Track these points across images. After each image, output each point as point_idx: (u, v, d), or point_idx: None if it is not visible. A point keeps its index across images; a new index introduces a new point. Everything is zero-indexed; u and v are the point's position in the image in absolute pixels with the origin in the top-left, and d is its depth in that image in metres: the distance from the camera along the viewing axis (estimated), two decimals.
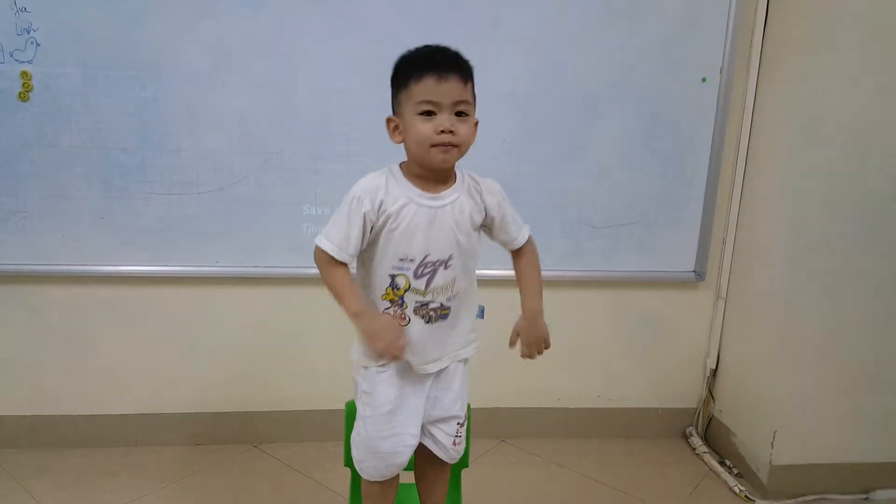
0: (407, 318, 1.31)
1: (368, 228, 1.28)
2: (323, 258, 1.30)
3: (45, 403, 2.25)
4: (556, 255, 2.28)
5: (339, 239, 1.28)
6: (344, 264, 1.30)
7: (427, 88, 1.21)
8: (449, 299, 1.33)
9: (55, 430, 2.26)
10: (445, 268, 1.30)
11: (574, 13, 2.12)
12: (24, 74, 1.96)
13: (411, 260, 1.28)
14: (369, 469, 1.41)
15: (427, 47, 1.27)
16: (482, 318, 1.45)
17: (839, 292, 2.07)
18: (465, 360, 1.45)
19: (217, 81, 2.03)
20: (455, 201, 1.31)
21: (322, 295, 2.26)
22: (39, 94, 1.98)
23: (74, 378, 2.25)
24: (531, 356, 1.37)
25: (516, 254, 1.43)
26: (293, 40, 2.04)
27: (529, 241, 1.42)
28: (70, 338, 2.22)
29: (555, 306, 2.34)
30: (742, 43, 2.22)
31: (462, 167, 1.36)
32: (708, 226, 2.34)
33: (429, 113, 1.22)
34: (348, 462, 1.59)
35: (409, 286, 1.29)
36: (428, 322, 1.32)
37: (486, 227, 1.38)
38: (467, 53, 1.32)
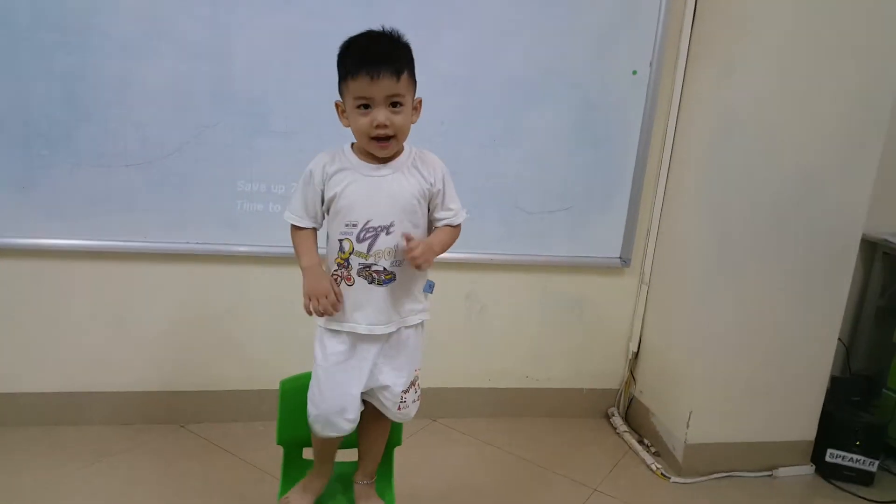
0: (352, 280, 1.40)
1: (320, 195, 1.40)
2: (292, 231, 1.44)
3: None
4: (490, 239, 2.33)
5: (296, 207, 1.42)
6: (308, 229, 1.43)
7: (361, 86, 1.30)
8: (393, 265, 1.39)
9: None
10: (387, 234, 1.38)
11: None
12: None
13: (354, 225, 1.37)
14: (317, 426, 1.45)
15: (364, 38, 1.33)
16: (430, 292, 1.49)
17: (752, 282, 2.19)
18: (417, 328, 1.49)
19: (149, 49, 1.97)
20: (398, 172, 1.39)
21: (255, 273, 2.25)
22: None
23: None
24: (414, 255, 1.33)
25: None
26: (231, 10, 1.99)
27: (458, 226, 1.49)
28: None
29: (487, 289, 2.43)
30: (671, 39, 2.32)
31: (409, 144, 1.43)
32: (634, 214, 2.43)
33: (366, 105, 1.31)
34: (282, 440, 1.60)
35: (353, 249, 1.38)
36: (371, 283, 1.39)
37: (430, 199, 1.44)
38: (408, 33, 1.34)
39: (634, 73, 2.29)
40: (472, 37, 2.16)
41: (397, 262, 1.40)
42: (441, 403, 2.46)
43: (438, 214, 1.45)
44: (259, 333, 2.29)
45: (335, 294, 1.38)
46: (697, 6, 2.30)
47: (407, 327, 1.46)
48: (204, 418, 2.32)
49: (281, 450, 1.62)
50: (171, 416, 2.30)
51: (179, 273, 2.20)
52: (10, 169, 1.98)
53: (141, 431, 2.24)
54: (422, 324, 1.50)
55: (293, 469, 1.61)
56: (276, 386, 1.58)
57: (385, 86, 1.29)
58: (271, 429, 1.61)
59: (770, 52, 2.05)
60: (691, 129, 2.35)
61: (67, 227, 2.06)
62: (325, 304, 1.36)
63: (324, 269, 1.43)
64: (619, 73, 2.29)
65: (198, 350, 2.28)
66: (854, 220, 2.21)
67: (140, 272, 2.17)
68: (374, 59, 1.29)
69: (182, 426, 2.30)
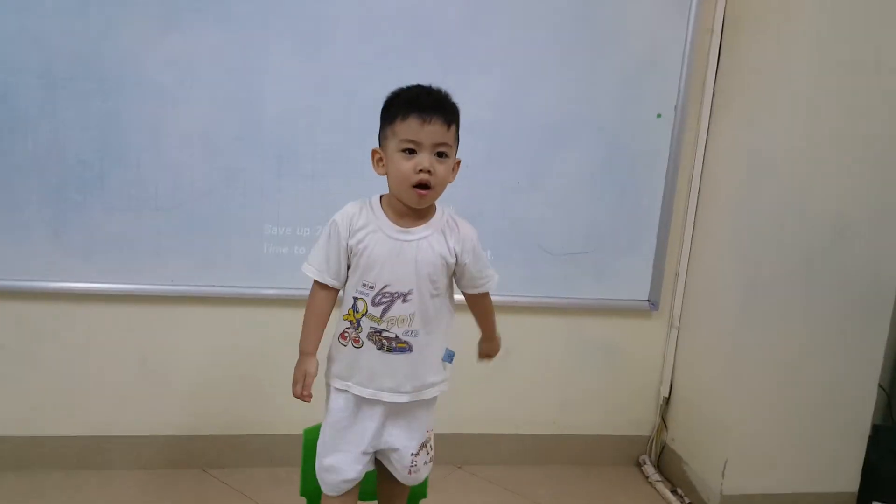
0: (361, 342, 1.36)
1: (345, 251, 1.35)
2: (312, 289, 1.40)
3: None
4: (514, 282, 2.30)
5: (318, 261, 1.37)
6: (329, 289, 1.38)
7: (411, 128, 1.27)
8: (406, 333, 1.35)
9: None
10: (404, 301, 1.34)
11: (539, 45, 2.18)
12: None
13: (371, 287, 1.34)
14: (322, 484, 1.45)
15: (418, 87, 1.33)
16: (450, 362, 1.44)
17: (787, 324, 2.14)
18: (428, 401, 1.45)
19: (181, 95, 2.02)
20: (424, 239, 1.35)
21: (280, 316, 2.24)
22: None
23: (16, 397, 2.16)
24: (488, 357, 1.62)
25: (474, 295, 1.48)
26: (260, 58, 2.04)
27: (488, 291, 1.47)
28: (15, 355, 2.13)
29: (512, 332, 2.36)
30: (696, 83, 2.32)
31: (442, 202, 1.40)
32: (662, 256, 2.40)
33: (411, 151, 1.28)
34: (305, 491, 1.57)
35: (367, 311, 1.34)
36: (380, 349, 1.36)
37: (456, 271, 1.41)
38: (436, 80, 1.35)
39: (659, 116, 2.29)
40: (499, 82, 2.18)
41: (411, 333, 1.35)
42: (466, 450, 2.41)
43: (465, 282, 1.43)
44: (284, 378, 2.23)
45: (306, 384, 1.39)
46: (722, 49, 2.31)
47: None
48: (227, 463, 2.30)
49: (304, 500, 1.58)
50: (194, 460, 2.28)
51: (205, 316, 2.20)
52: (45, 213, 2.02)
53: (163, 476, 2.22)
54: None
55: None
56: (301, 431, 1.55)
57: (435, 132, 1.27)
58: (294, 475, 1.58)
59: (798, 95, 2.03)
60: (718, 172, 2.33)
61: (96, 270, 2.08)
62: (297, 392, 1.40)
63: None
64: (643, 116, 2.29)
65: (222, 394, 2.27)
66: (890, 265, 2.16)
67: (166, 315, 2.18)
68: (428, 104, 1.28)
69: (204, 471, 2.28)
